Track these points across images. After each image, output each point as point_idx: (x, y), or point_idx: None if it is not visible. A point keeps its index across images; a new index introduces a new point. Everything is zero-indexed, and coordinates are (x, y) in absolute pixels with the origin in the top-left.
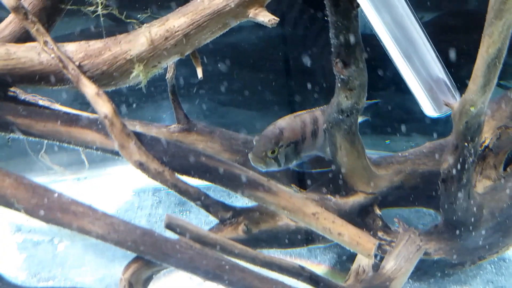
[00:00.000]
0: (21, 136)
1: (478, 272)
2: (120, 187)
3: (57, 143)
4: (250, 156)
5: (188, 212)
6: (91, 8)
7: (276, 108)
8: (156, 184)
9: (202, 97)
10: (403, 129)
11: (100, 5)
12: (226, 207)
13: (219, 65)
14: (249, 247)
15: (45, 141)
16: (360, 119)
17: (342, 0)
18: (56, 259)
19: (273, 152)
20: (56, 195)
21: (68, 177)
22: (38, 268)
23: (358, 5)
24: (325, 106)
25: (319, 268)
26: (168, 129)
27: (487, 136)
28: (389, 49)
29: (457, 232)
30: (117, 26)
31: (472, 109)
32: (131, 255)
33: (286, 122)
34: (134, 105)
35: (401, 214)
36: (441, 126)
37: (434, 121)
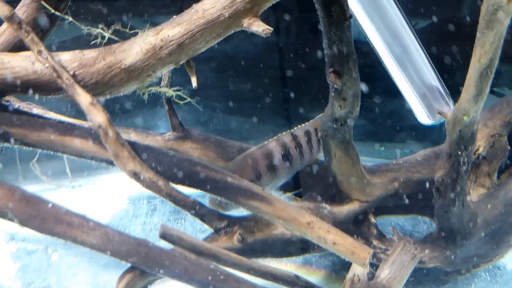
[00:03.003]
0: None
1: (473, 280)
2: (115, 195)
3: (51, 152)
4: (208, 203)
5: (183, 220)
6: (98, 30)
7: (272, 115)
8: (151, 191)
9: (197, 105)
10: (398, 136)
11: (105, 30)
12: (221, 217)
13: (214, 73)
14: (244, 256)
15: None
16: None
17: (335, 11)
18: (50, 268)
19: None
20: (50, 205)
21: (62, 185)
22: (33, 277)
23: (350, 16)
24: (282, 133)
25: (316, 274)
26: (163, 137)
27: (480, 144)
28: (383, 56)
29: (452, 240)
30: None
31: (465, 118)
32: (125, 263)
33: (235, 165)
34: (130, 112)
35: (396, 221)
36: (435, 133)
37: (429, 128)
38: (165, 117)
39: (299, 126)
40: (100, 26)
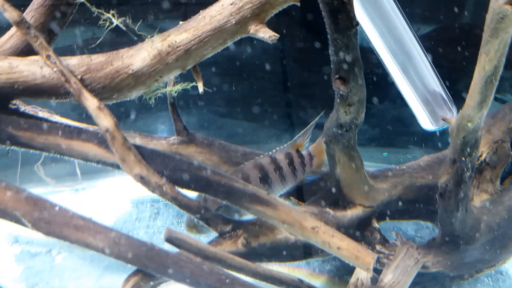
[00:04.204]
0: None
1: (476, 285)
2: (118, 198)
3: (58, 156)
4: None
5: None
6: (107, 15)
7: (274, 119)
8: (154, 195)
9: (201, 109)
10: (401, 141)
11: (114, 17)
12: (226, 221)
13: (217, 77)
14: (248, 260)
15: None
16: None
17: (341, 18)
18: (54, 271)
19: None
20: (57, 208)
21: (66, 187)
22: (36, 279)
23: (357, 24)
24: (257, 157)
25: (319, 278)
26: (168, 141)
27: (484, 150)
28: (386, 62)
29: (455, 245)
30: (117, 37)
31: (469, 124)
32: (130, 266)
33: None
34: (134, 116)
35: (398, 227)
36: (438, 139)
37: (431, 134)
38: (168, 121)
39: (277, 148)
40: (111, 12)
